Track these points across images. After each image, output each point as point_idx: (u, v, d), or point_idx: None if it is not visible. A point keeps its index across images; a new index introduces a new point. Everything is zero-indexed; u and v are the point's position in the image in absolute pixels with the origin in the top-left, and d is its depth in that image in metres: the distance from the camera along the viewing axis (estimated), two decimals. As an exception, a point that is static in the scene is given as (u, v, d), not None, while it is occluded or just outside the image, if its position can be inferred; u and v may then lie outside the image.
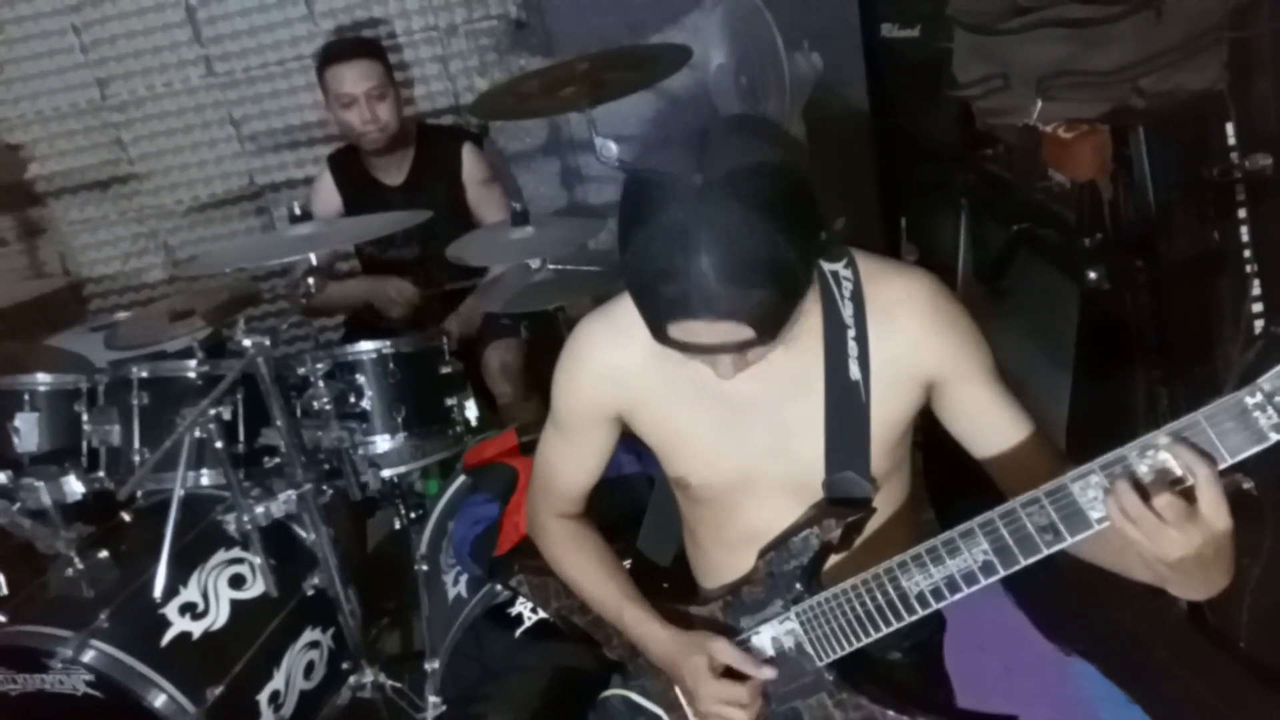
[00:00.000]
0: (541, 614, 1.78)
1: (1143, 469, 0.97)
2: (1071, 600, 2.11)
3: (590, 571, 1.39)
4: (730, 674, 1.24)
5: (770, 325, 1.05)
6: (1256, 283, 1.78)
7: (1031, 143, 2.05)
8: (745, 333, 1.04)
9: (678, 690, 1.35)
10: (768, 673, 1.23)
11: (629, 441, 1.42)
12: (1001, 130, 2.23)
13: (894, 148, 3.11)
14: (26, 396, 2.13)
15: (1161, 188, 1.84)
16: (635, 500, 1.69)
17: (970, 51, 2.19)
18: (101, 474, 2.11)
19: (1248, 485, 1.72)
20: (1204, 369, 1.86)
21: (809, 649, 1.23)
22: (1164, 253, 1.85)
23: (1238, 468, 1.66)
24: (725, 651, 1.24)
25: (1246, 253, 1.78)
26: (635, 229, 1.03)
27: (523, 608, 1.80)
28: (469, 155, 2.81)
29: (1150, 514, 0.95)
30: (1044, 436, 1.23)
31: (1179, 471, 0.95)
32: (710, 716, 1.26)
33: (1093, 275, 1.93)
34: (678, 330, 1.05)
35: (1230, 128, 1.79)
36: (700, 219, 0.99)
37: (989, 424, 1.22)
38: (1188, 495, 0.95)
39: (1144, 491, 0.96)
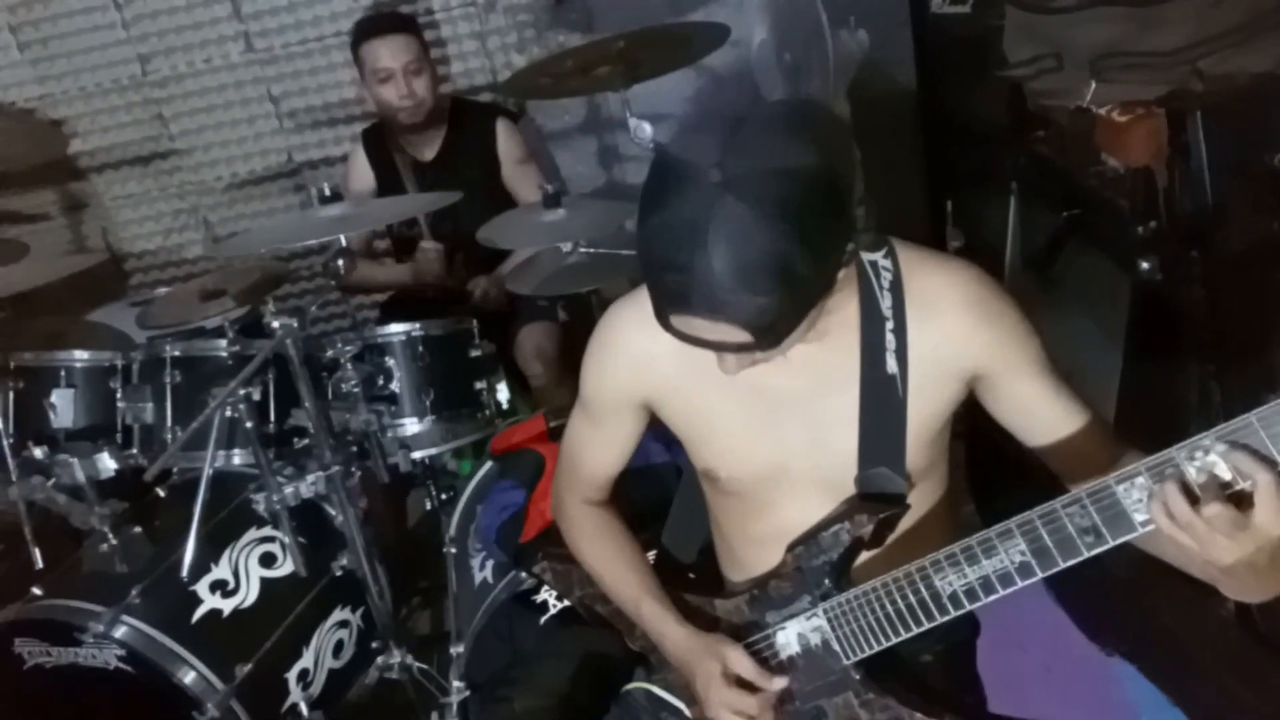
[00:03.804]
0: (566, 601, 1.77)
1: (1191, 472, 0.93)
2: (1115, 600, 2.05)
3: (611, 562, 1.37)
4: (745, 680, 1.22)
5: (770, 335, 1.02)
6: (1318, 275, 1.71)
7: (1084, 126, 1.99)
8: (742, 336, 1.01)
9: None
10: (779, 684, 1.21)
11: (657, 430, 1.40)
12: (1053, 112, 2.16)
13: (942, 129, 3.03)
14: (63, 372, 2.15)
15: (1219, 175, 1.77)
16: (663, 491, 1.66)
17: (1022, 30, 2.12)
18: (135, 451, 2.13)
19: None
20: (1259, 365, 1.79)
21: (836, 647, 1.20)
22: (1220, 244, 1.79)
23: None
24: (739, 661, 1.21)
25: (1307, 243, 1.71)
26: (649, 213, 1.01)
27: (548, 595, 1.79)
28: (503, 131, 2.79)
29: (1199, 521, 0.91)
30: (1100, 423, 1.20)
31: (1228, 476, 0.92)
32: None
33: (1145, 265, 1.86)
34: (678, 321, 1.03)
35: (1293, 113, 1.71)
36: (710, 217, 0.96)
37: (1041, 416, 1.19)
38: (1237, 500, 0.91)
39: (1193, 496, 0.92)
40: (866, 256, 1.18)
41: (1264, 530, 0.90)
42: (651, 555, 1.43)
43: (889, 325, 1.16)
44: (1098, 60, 1.90)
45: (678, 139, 1.06)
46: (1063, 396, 1.18)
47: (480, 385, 2.24)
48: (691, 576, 1.46)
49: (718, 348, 1.04)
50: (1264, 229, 1.76)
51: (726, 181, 0.96)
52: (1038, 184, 2.32)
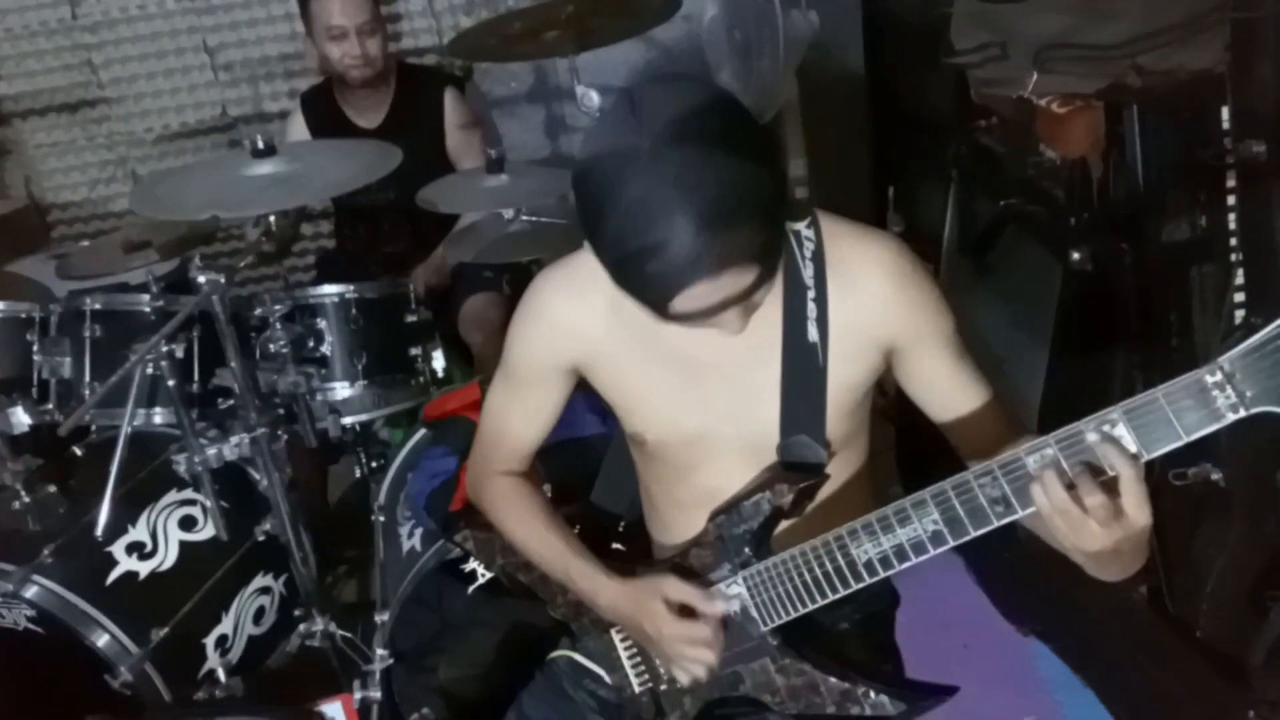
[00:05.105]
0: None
1: (1098, 445, 0.95)
2: (1032, 582, 2.10)
3: (535, 528, 1.35)
4: (687, 615, 1.21)
5: (769, 257, 1.02)
6: (1241, 272, 1.75)
7: (1025, 116, 2.01)
8: (748, 275, 1.00)
9: (620, 650, 1.33)
10: (720, 606, 1.21)
11: (592, 402, 1.39)
12: (996, 101, 2.18)
13: (887, 113, 3.05)
14: (-24, 323, 2.07)
15: (1152, 169, 1.80)
16: (596, 462, 1.66)
17: (970, 18, 2.14)
18: (51, 406, 2.05)
19: (1216, 477, 1.70)
20: (1182, 356, 1.83)
21: (754, 614, 1.22)
22: (1150, 236, 1.82)
23: (1208, 459, 1.64)
24: (679, 589, 1.21)
25: (1233, 240, 1.75)
26: (602, 218, 0.99)
27: (477, 564, 1.77)
28: (451, 100, 2.73)
29: (1074, 507, 0.95)
30: (1002, 403, 1.23)
31: (1112, 459, 0.95)
32: (678, 660, 1.23)
33: (1076, 255, 1.89)
34: (684, 301, 1.00)
35: (1226, 111, 1.74)
36: (661, 180, 0.95)
37: (947, 390, 1.22)
38: (1111, 488, 0.94)
39: (1069, 483, 0.96)
40: (790, 226, 1.19)
41: (1132, 520, 0.94)
42: (576, 529, 1.41)
43: (810, 294, 1.18)
44: (1042, 51, 1.92)
45: (583, 149, 1.05)
46: (969, 374, 1.22)
47: (415, 351, 2.20)
48: (617, 547, 1.46)
49: (728, 305, 1.02)
50: (1192, 223, 1.80)
51: (653, 144, 0.96)
52: (977, 172, 2.35)
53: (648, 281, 1.00)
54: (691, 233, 0.94)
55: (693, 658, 1.21)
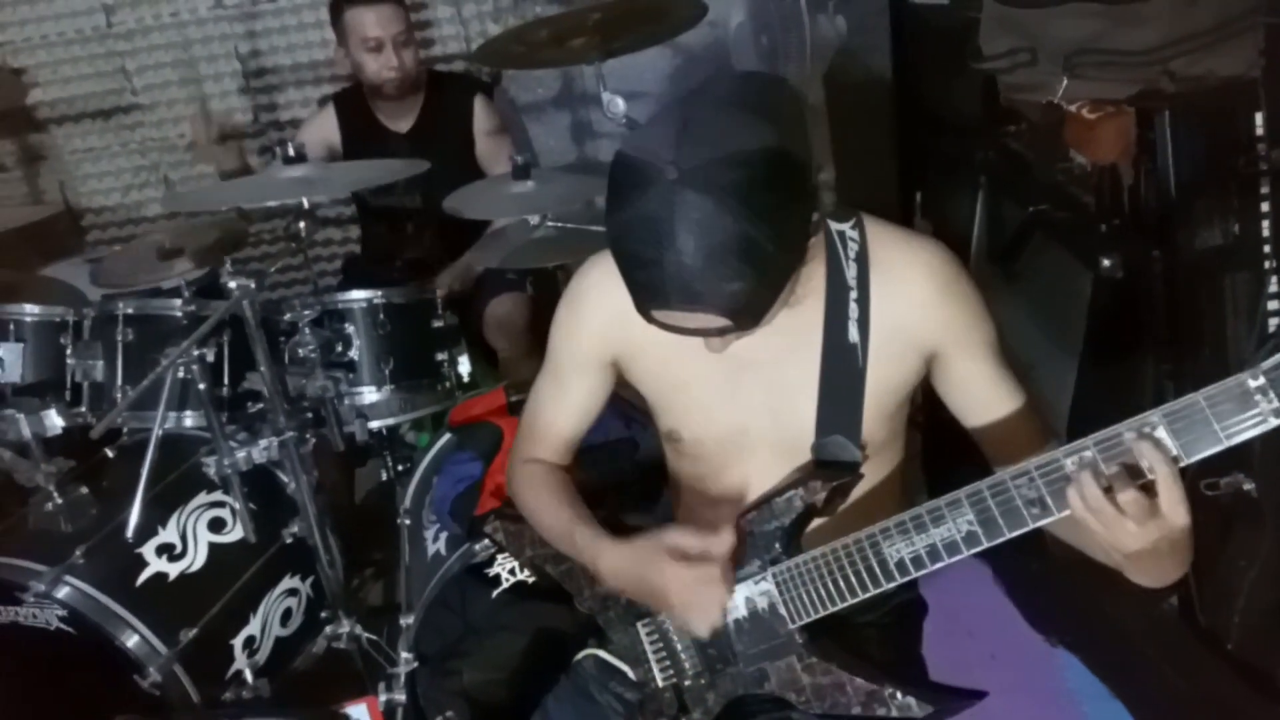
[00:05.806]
0: (519, 576, 1.76)
1: (1135, 447, 0.95)
2: (1061, 593, 2.08)
3: (547, 501, 1.36)
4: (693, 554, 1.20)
5: (747, 315, 1.04)
6: (1275, 279, 1.73)
7: (1054, 121, 2.00)
8: (720, 321, 1.03)
9: (645, 644, 1.32)
10: (728, 539, 1.18)
11: (617, 406, 1.39)
12: (1025, 107, 2.17)
13: (915, 119, 3.03)
14: (12, 326, 2.10)
15: (1184, 176, 1.78)
16: (620, 465, 1.66)
17: (998, 23, 2.12)
18: (84, 409, 2.08)
19: (1249, 487, 1.68)
20: (1215, 366, 1.81)
21: (782, 611, 1.21)
22: (1181, 243, 1.80)
23: (1240, 469, 1.61)
24: (679, 535, 1.19)
25: (1266, 248, 1.73)
26: (615, 213, 1.02)
27: (500, 568, 1.78)
28: (480, 107, 2.75)
29: (1109, 506, 0.95)
30: (1034, 412, 1.23)
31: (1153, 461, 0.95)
32: (691, 607, 1.18)
33: (1107, 263, 1.87)
34: (658, 314, 1.05)
35: (1260, 118, 1.72)
36: (671, 213, 0.97)
37: (983, 398, 1.22)
38: (1149, 490, 0.94)
39: (1106, 485, 0.95)
40: (835, 226, 1.20)
41: (1169, 519, 0.94)
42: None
43: (853, 294, 1.18)
44: (1072, 56, 1.91)
45: (633, 136, 1.07)
46: (1007, 383, 1.22)
47: (441, 356, 2.22)
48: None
49: (700, 334, 1.06)
50: (1225, 230, 1.78)
51: (682, 176, 0.97)
52: (1006, 178, 2.33)
53: (631, 282, 1.04)
54: (676, 267, 0.98)
55: (706, 600, 1.18)
